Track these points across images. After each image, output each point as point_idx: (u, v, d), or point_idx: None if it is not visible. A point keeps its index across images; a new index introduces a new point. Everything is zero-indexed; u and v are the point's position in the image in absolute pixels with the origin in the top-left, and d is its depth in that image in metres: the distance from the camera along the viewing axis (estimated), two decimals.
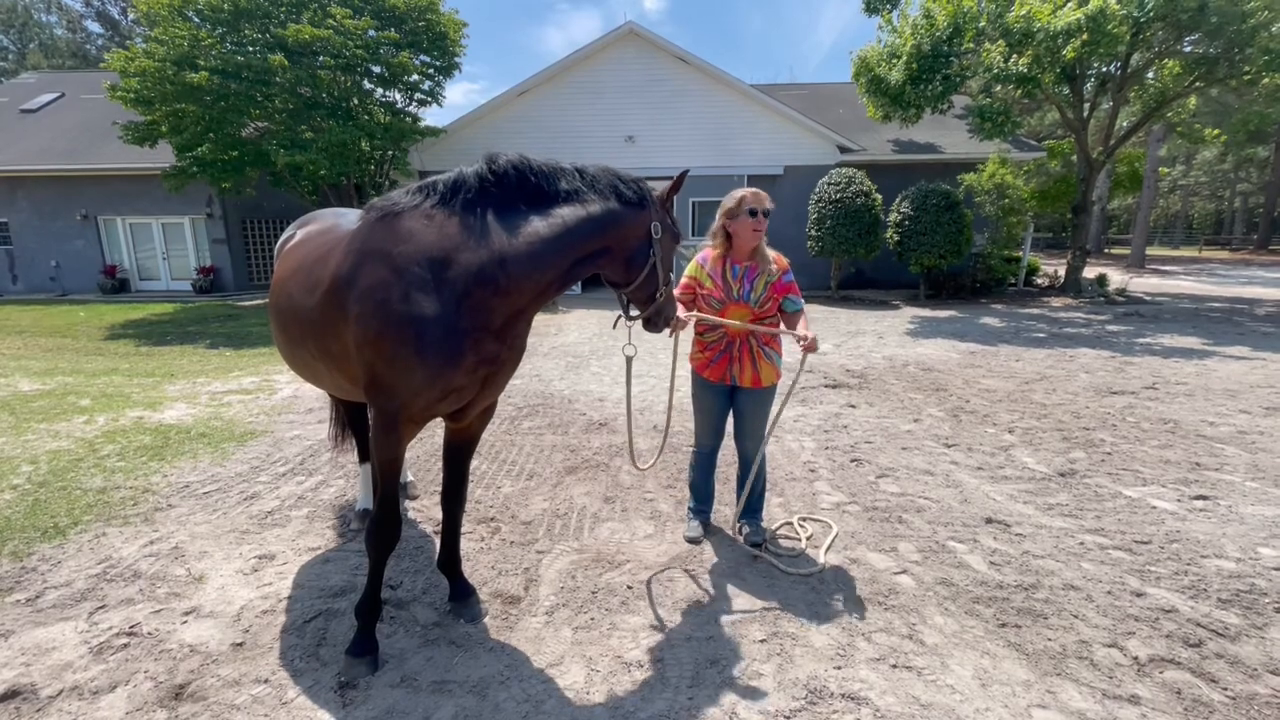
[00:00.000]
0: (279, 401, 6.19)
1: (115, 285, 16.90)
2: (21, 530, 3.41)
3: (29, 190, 16.80)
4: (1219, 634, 2.53)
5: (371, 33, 13.14)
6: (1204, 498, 3.84)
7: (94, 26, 43.17)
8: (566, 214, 2.23)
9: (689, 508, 3.53)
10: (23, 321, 12.12)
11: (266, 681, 2.30)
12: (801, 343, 2.90)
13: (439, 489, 2.80)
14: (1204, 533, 3.39)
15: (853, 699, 2.19)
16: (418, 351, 2.10)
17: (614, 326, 2.78)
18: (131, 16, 33.35)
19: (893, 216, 13.73)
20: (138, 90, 11.92)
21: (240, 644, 2.50)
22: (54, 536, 3.35)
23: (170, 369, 7.81)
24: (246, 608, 2.75)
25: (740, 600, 2.82)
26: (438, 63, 14.92)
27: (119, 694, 2.23)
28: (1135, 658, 2.40)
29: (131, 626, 2.60)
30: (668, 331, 2.76)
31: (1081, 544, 3.29)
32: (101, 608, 2.74)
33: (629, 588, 2.91)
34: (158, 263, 17.50)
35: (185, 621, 2.64)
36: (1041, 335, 9.81)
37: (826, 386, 6.65)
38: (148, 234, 17.35)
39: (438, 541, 2.98)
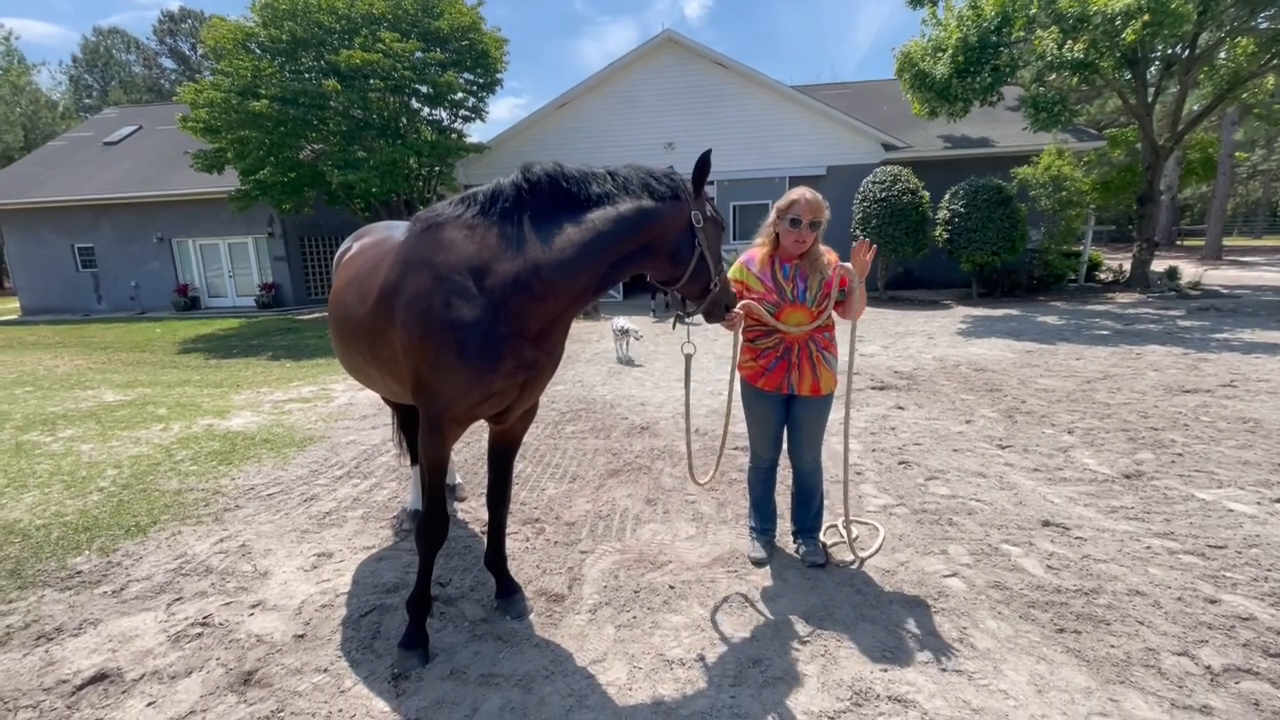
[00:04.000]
0: (335, 409, 6.47)
1: (187, 303, 18.04)
2: (108, 528, 3.69)
3: (112, 216, 18.13)
4: None
5: (418, 54, 13.70)
6: None
7: (168, 63, 46.36)
8: (598, 217, 2.25)
9: (750, 527, 3.28)
10: (107, 338, 13.07)
11: (326, 671, 2.42)
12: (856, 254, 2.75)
13: (485, 491, 2.89)
14: None
15: (899, 701, 2.15)
16: (459, 355, 2.19)
17: (673, 328, 2.70)
18: (200, 52, 35.68)
19: (941, 213, 13.32)
20: (206, 120, 12.75)
21: (301, 635, 2.64)
22: (136, 534, 3.61)
23: (236, 380, 8.28)
24: (307, 602, 2.89)
25: (783, 601, 2.79)
26: (481, 80, 15.39)
27: (194, 679, 2.38)
28: (1208, 667, 2.26)
29: (205, 617, 2.78)
30: (726, 326, 2.65)
31: (1148, 548, 3.12)
32: (178, 600, 2.93)
33: (671, 587, 2.92)
34: (224, 280, 18.60)
35: (252, 614, 2.81)
36: (1105, 332, 9.33)
37: (874, 388, 6.50)
38: (215, 254, 18.46)
39: (485, 541, 3.07)
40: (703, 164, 2.37)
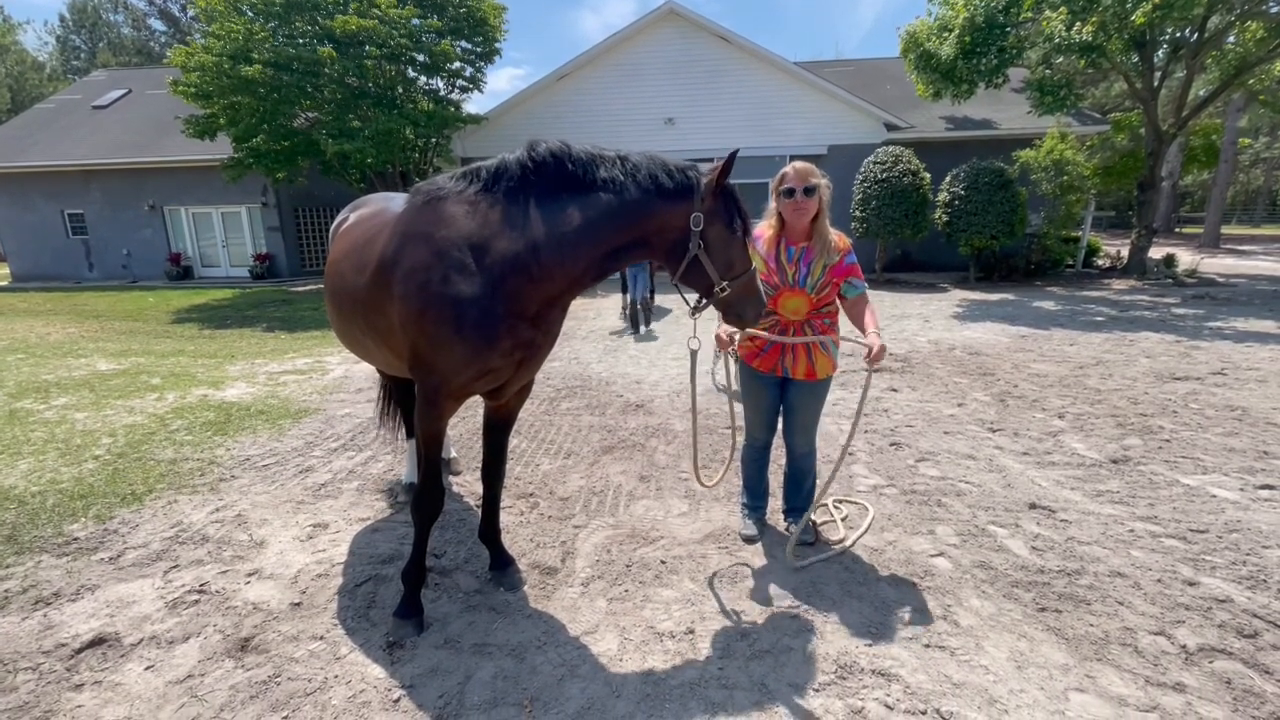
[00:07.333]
0: (330, 381, 6.47)
1: (180, 272, 17.87)
2: (103, 496, 3.71)
3: (102, 183, 17.83)
4: (1277, 625, 2.43)
5: (415, 21, 13.39)
6: (1270, 487, 3.65)
7: (157, 24, 45.19)
8: (598, 205, 2.18)
9: (742, 504, 3.33)
10: (99, 306, 12.96)
11: (322, 639, 2.46)
12: (866, 356, 2.63)
13: (480, 465, 2.91)
14: (1267, 523, 3.23)
15: (883, 675, 2.20)
16: (456, 331, 2.19)
17: (691, 315, 2.56)
18: (191, 13, 34.77)
19: (942, 196, 13.24)
20: (197, 84, 12.48)
21: (298, 604, 2.68)
22: (132, 502, 3.63)
23: (231, 350, 8.25)
24: (303, 571, 2.93)
25: (772, 577, 2.84)
26: (479, 49, 15.10)
27: (192, 644, 2.42)
28: (1183, 646, 2.33)
29: (201, 585, 2.81)
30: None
31: (1131, 531, 3.18)
32: (175, 567, 2.96)
33: (662, 562, 2.97)
34: (218, 250, 18.39)
35: (248, 582, 2.84)
36: (1100, 319, 9.37)
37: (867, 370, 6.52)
38: (209, 223, 18.23)
39: (479, 514, 3.10)
40: (726, 166, 2.18)
